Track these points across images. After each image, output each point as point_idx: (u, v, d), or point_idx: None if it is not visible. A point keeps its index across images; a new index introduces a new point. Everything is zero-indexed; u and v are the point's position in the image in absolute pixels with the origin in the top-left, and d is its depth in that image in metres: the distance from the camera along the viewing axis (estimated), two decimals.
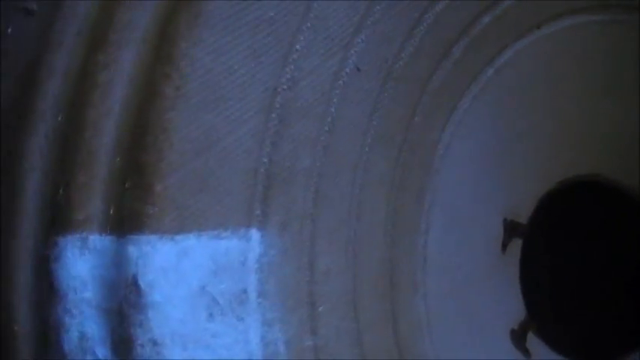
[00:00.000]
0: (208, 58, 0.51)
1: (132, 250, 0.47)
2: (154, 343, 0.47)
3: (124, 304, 0.46)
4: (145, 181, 0.48)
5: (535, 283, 0.88)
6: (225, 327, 0.52)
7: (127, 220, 0.47)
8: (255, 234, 0.54)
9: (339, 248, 0.62)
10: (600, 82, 0.84)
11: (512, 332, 0.85)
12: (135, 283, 0.46)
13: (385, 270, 0.67)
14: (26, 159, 0.46)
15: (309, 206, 0.59)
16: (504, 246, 0.85)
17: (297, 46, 0.56)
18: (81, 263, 0.46)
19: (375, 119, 0.65)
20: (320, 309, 0.60)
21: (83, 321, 0.46)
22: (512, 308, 0.86)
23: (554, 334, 0.88)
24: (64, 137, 0.47)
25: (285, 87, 0.56)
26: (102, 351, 0.46)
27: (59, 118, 0.48)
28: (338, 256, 0.62)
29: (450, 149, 0.74)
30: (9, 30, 0.50)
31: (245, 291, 0.53)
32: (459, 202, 0.77)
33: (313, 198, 0.60)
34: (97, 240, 0.47)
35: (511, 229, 0.86)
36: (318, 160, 0.60)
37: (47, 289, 0.46)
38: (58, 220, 0.46)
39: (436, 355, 0.71)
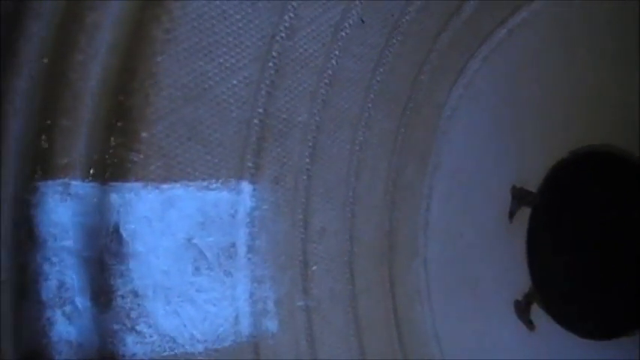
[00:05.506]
0: (201, 1, 0.49)
1: (114, 198, 0.45)
2: (135, 294, 0.45)
3: (104, 253, 0.45)
4: (130, 127, 0.46)
5: (542, 253, 0.86)
6: (212, 282, 0.50)
7: (110, 166, 0.45)
8: (246, 187, 0.52)
9: (336, 207, 0.60)
10: (615, 52, 0.81)
11: (517, 303, 0.83)
12: (116, 232, 0.45)
13: (384, 232, 0.65)
14: (9, 101, 0.45)
15: (306, 162, 0.57)
16: (512, 214, 0.83)
17: None
18: (62, 209, 0.44)
19: (378, 75, 0.62)
20: (313, 268, 0.58)
21: (63, 269, 0.44)
22: (518, 279, 0.84)
23: (559, 307, 0.86)
24: (49, 80, 0.45)
25: (283, 35, 0.53)
26: (81, 301, 0.45)
27: (45, 60, 0.46)
28: (334, 215, 0.60)
29: (458, 112, 0.72)
30: None
31: (234, 245, 0.51)
32: (465, 167, 0.74)
33: (310, 153, 0.57)
34: (79, 186, 0.45)
35: (520, 196, 0.83)
36: (317, 115, 0.57)
37: (26, 236, 0.44)
38: (39, 165, 0.44)
39: (433, 323, 0.69)
